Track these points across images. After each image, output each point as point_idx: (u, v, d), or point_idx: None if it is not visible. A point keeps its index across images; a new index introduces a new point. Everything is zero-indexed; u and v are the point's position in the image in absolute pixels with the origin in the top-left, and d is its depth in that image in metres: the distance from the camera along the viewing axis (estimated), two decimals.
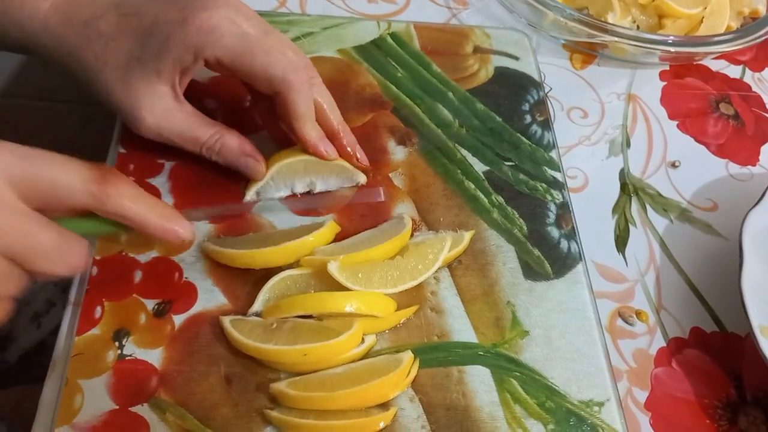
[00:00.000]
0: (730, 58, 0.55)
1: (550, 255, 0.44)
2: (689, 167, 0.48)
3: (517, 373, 0.39)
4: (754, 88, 0.53)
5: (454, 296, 0.41)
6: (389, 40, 0.55)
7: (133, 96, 0.39)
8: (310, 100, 0.41)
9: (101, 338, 0.37)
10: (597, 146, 0.48)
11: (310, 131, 0.41)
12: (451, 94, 0.52)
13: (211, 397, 0.36)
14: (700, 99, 0.52)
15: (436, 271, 0.41)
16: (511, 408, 0.37)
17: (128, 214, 0.32)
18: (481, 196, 0.46)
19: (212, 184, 0.44)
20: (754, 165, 0.48)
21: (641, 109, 0.50)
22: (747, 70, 0.54)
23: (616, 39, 0.48)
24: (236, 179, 0.44)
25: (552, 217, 0.45)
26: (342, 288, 0.38)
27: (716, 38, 0.49)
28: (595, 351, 0.40)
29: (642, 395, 0.38)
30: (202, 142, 0.41)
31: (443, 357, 0.39)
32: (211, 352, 0.37)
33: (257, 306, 0.38)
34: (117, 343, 0.37)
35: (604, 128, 0.49)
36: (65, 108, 0.89)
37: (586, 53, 0.53)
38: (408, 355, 0.38)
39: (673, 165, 0.47)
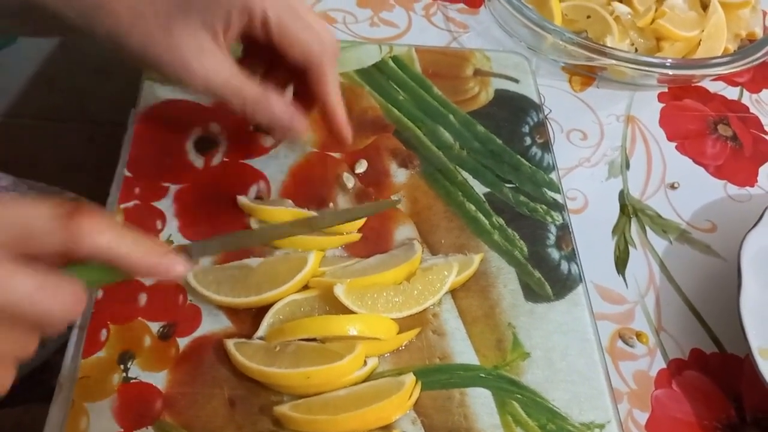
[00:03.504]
0: (728, 79, 0.55)
1: (550, 276, 0.44)
2: (688, 188, 0.48)
3: (519, 396, 0.39)
4: (752, 110, 0.53)
5: (455, 318, 0.42)
6: (391, 63, 0.56)
7: (179, 46, 0.38)
8: (338, 78, 0.42)
9: (107, 361, 0.37)
10: (596, 168, 0.49)
11: (340, 106, 0.42)
12: (452, 117, 0.53)
13: (215, 420, 0.36)
14: (698, 120, 0.52)
15: None
16: (513, 430, 0.38)
17: (109, 253, 0.28)
18: (482, 218, 0.47)
19: (217, 207, 0.45)
20: (753, 186, 0.49)
21: (640, 131, 0.51)
22: (745, 91, 0.55)
23: (615, 62, 0.49)
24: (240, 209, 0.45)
25: (552, 238, 0.46)
26: (347, 311, 0.39)
27: (714, 60, 0.49)
28: (596, 373, 0.40)
29: (642, 417, 0.38)
30: (247, 93, 0.40)
31: (445, 379, 0.39)
32: (215, 374, 0.38)
33: (262, 330, 0.39)
34: (122, 366, 0.37)
35: (603, 150, 0.50)
36: (69, 128, 0.90)
37: (585, 75, 0.54)
38: (410, 378, 0.38)
39: (672, 186, 0.48)
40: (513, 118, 0.53)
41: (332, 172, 0.48)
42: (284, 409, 0.36)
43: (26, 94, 0.86)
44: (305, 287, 0.41)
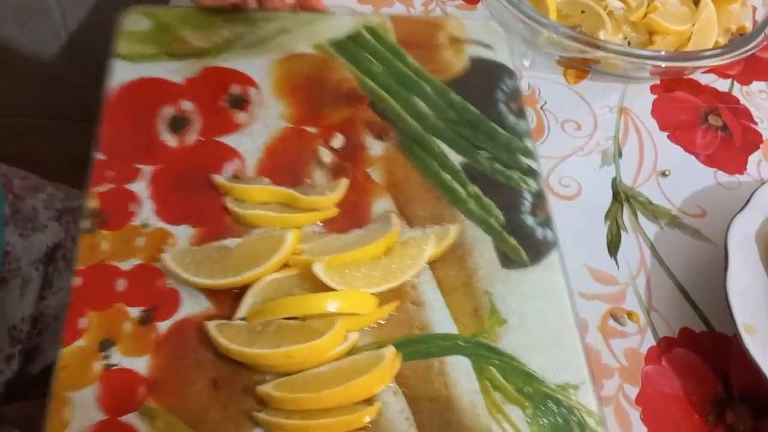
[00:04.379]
0: (719, 72, 0.56)
1: (525, 243, 0.45)
2: (679, 176, 0.49)
3: (496, 361, 0.40)
4: (742, 101, 0.54)
5: (433, 289, 0.42)
6: (365, 33, 0.55)
7: None
8: None
9: (87, 349, 0.37)
10: (590, 156, 0.50)
11: None
12: (427, 86, 0.53)
13: (199, 402, 0.37)
14: (689, 111, 0.53)
15: None
16: (491, 395, 0.39)
17: None
18: (458, 187, 0.47)
19: (193, 186, 0.45)
20: (742, 174, 0.50)
21: (632, 121, 0.52)
22: (735, 83, 0.55)
23: (608, 55, 0.49)
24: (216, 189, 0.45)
25: (527, 205, 0.46)
26: (326, 288, 0.39)
27: (705, 53, 0.50)
28: (570, 335, 0.41)
29: (633, 391, 0.40)
30: None
31: (424, 349, 0.40)
32: (197, 357, 0.38)
33: (242, 311, 0.39)
34: (103, 354, 0.37)
35: (596, 139, 0.50)
36: (72, 126, 0.88)
37: (579, 68, 0.55)
38: (390, 350, 0.39)
39: (664, 174, 0.49)
40: (488, 85, 0.53)
41: (308, 148, 0.48)
42: (267, 389, 0.36)
43: (29, 93, 0.85)
44: (285, 266, 0.41)
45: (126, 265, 0.41)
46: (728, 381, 0.40)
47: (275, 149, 0.48)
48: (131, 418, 0.35)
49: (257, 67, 0.52)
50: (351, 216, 0.45)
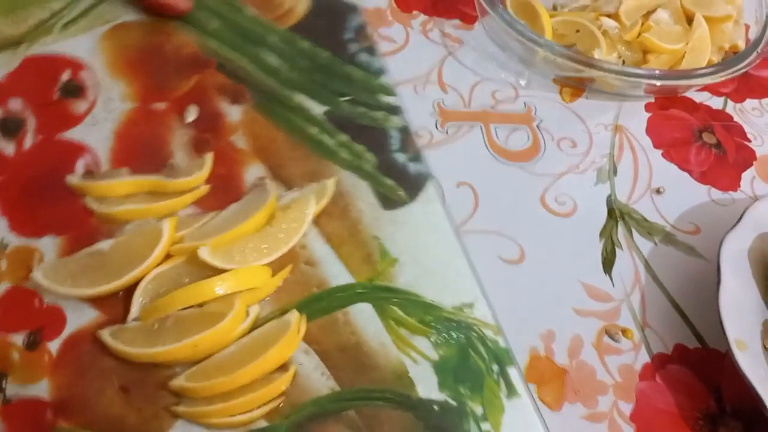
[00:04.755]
0: (713, 90, 0.56)
1: (401, 181, 0.46)
2: (673, 193, 0.50)
3: (395, 299, 0.42)
4: (736, 119, 0.55)
5: (323, 245, 0.43)
6: None
7: None
8: None
9: None
10: (585, 174, 0.50)
11: None
12: (272, 37, 0.51)
13: (113, 411, 0.36)
14: (683, 129, 0.53)
15: None
16: (397, 331, 0.41)
17: None
18: (326, 138, 0.47)
19: (47, 193, 0.41)
20: (735, 190, 0.51)
21: (627, 139, 0.52)
22: (729, 101, 0.56)
23: (602, 74, 0.49)
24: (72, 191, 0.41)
25: (396, 143, 0.48)
26: (217, 271, 0.39)
27: (698, 72, 0.50)
28: (456, 257, 0.44)
29: (627, 408, 0.41)
30: None
31: (326, 305, 0.41)
32: (99, 367, 0.37)
33: (134, 312, 0.38)
34: None
35: (592, 157, 0.51)
36: None
37: (575, 87, 0.54)
38: (294, 315, 0.39)
39: (658, 191, 0.49)
40: (333, 25, 0.52)
41: (162, 127, 0.45)
42: (181, 382, 0.36)
43: None
44: (167, 257, 0.40)
45: None
46: (720, 396, 0.42)
47: (126, 135, 0.45)
48: None
49: (83, 46, 0.47)
50: (224, 191, 0.44)
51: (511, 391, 0.39)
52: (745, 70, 0.50)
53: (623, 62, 0.53)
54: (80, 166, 0.43)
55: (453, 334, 0.41)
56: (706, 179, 0.51)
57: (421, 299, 0.42)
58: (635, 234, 0.47)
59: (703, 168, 0.51)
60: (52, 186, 0.42)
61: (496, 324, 0.41)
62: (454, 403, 0.38)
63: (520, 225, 0.46)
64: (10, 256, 0.39)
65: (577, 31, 0.53)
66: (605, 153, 0.51)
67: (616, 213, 0.48)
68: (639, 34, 0.52)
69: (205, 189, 0.43)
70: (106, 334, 0.37)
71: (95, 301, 0.39)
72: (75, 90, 0.46)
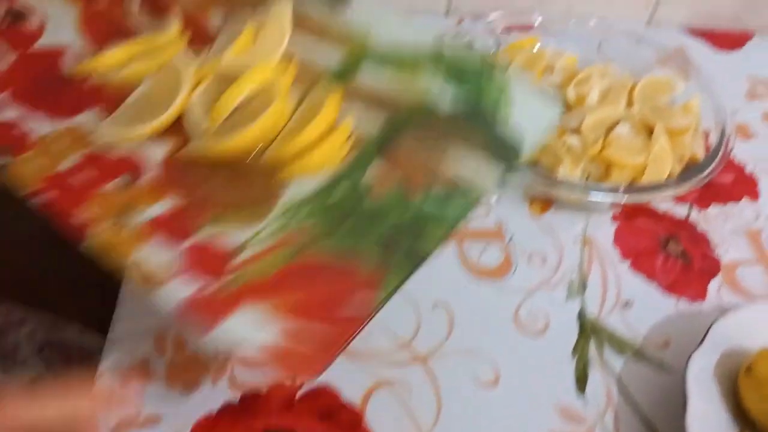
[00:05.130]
0: (678, 197, 0.58)
1: None
2: (642, 306, 0.50)
3: None
4: (701, 227, 0.57)
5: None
6: None
7: None
8: None
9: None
10: (556, 290, 0.50)
11: None
12: None
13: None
14: (649, 239, 0.55)
15: None
16: None
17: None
18: None
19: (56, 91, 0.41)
20: (703, 300, 0.51)
21: (596, 251, 0.53)
22: (693, 208, 0.58)
23: (567, 192, 0.51)
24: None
25: None
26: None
27: (662, 185, 0.52)
28: None
29: None
30: None
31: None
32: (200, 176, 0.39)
33: (199, 122, 0.40)
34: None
35: (562, 272, 0.51)
36: None
37: (544, 200, 0.55)
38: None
39: (627, 304, 0.50)
40: None
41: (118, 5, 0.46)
42: (269, 153, 0.39)
43: None
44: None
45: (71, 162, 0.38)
46: None
47: (90, 23, 0.44)
48: None
49: None
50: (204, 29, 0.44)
51: None
52: (707, 180, 0.52)
53: (588, 176, 0.54)
54: (67, 61, 0.42)
55: None
56: (674, 289, 0.52)
57: None
58: (606, 350, 0.47)
59: (669, 278, 0.52)
60: (57, 81, 0.41)
61: None
62: None
63: (493, 345, 0.46)
64: (66, 134, 0.39)
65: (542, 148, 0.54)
66: (575, 267, 0.52)
67: (587, 329, 0.48)
68: (602, 149, 0.54)
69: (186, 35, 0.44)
70: (191, 148, 0.39)
71: (160, 136, 0.39)
72: (19, 15, 0.45)
